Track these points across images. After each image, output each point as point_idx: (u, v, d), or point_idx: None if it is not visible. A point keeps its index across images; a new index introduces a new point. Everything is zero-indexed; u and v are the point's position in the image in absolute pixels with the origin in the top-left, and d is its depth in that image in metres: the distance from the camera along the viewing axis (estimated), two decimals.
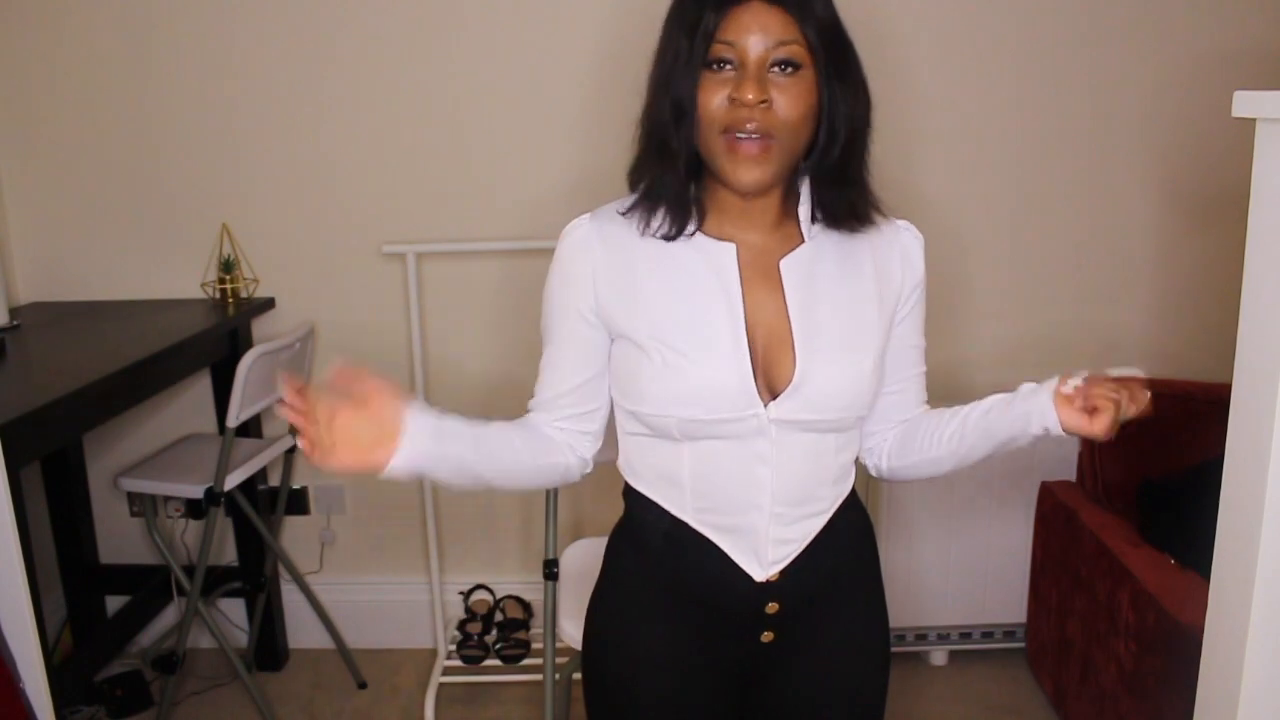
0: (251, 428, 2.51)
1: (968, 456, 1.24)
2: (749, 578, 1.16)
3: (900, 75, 2.40)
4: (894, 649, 2.62)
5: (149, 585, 2.53)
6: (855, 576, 1.26)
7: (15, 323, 2.32)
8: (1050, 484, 2.43)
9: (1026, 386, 1.21)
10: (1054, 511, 2.37)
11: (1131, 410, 1.10)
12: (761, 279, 1.13)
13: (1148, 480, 2.27)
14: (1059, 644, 2.32)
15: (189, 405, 2.62)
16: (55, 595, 2.57)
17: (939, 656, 2.59)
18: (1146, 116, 2.43)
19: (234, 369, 2.14)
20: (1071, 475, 2.46)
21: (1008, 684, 2.50)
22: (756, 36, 1.03)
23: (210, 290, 2.52)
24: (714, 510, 1.15)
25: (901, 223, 1.22)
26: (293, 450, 2.54)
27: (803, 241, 1.15)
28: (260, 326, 2.57)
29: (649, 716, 1.21)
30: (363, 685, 2.57)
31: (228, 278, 2.48)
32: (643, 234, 1.13)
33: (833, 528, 1.20)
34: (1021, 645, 2.55)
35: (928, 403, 1.31)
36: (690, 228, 1.12)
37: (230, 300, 2.48)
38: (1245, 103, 1.00)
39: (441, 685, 2.48)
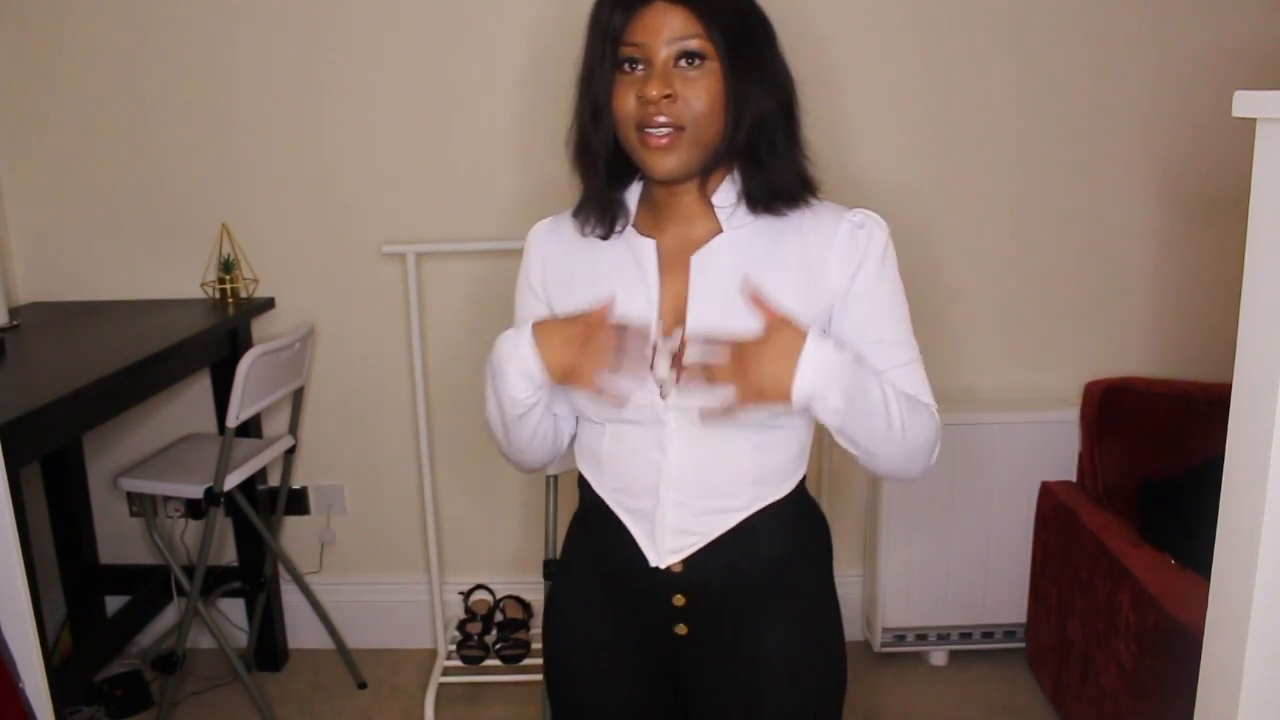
0: (251, 428, 2.51)
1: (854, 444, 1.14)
2: (647, 562, 1.19)
3: (899, 76, 2.41)
4: (894, 649, 2.64)
5: (149, 585, 2.53)
6: (785, 590, 1.21)
7: (15, 323, 2.32)
8: (1050, 484, 2.43)
9: None
10: (1054, 511, 2.37)
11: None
12: (679, 271, 1.17)
13: (1148, 480, 2.27)
14: (1059, 644, 2.32)
15: (189, 405, 2.62)
16: (55, 595, 2.57)
17: (939, 656, 2.59)
18: (1146, 116, 2.42)
19: (234, 369, 2.15)
20: (1071, 475, 2.46)
21: (1008, 684, 2.50)
22: (660, 35, 1.09)
23: (210, 290, 2.52)
24: (623, 491, 1.20)
25: (849, 210, 1.17)
26: (293, 450, 2.54)
27: (720, 232, 1.18)
28: (260, 326, 2.57)
29: (591, 694, 1.27)
30: (363, 685, 2.57)
31: (228, 278, 2.48)
32: (581, 229, 1.21)
33: (750, 530, 1.17)
34: (1021, 645, 2.55)
35: (928, 403, 1.19)
36: (619, 227, 1.19)
37: (230, 300, 2.48)
38: (1245, 103, 1.00)
39: (441, 685, 2.48)
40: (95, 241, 2.54)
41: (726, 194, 1.17)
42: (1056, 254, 2.52)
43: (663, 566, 1.18)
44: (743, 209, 1.17)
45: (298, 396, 2.50)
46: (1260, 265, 1.02)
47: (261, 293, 2.55)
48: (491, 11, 2.39)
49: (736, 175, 1.17)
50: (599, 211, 1.19)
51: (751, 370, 1.04)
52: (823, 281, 1.15)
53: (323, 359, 2.59)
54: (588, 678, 1.28)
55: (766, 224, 1.17)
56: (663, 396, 1.14)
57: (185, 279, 2.54)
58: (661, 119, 1.09)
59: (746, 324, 1.07)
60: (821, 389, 1.04)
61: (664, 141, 1.10)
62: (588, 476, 1.24)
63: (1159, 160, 2.45)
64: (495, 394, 1.18)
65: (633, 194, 1.21)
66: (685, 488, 1.16)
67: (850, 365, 1.06)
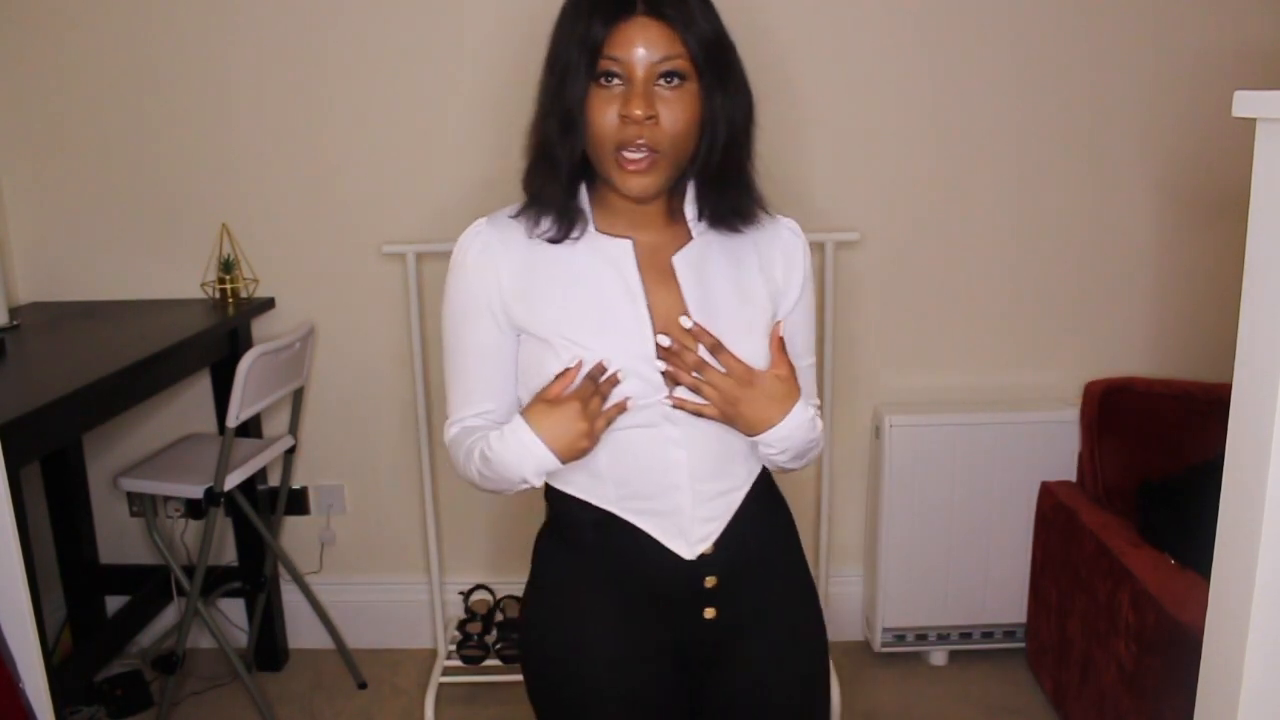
0: (251, 428, 2.51)
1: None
2: (679, 558, 1.19)
3: (899, 76, 2.41)
4: (894, 649, 2.65)
5: (149, 585, 2.53)
6: (782, 554, 1.30)
7: (15, 323, 2.32)
8: (1050, 484, 2.43)
9: None
10: (1054, 511, 2.37)
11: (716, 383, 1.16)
12: (657, 274, 1.18)
13: (1148, 480, 2.27)
14: (1059, 644, 2.32)
15: (189, 405, 2.62)
16: (55, 595, 2.57)
17: (939, 656, 2.59)
18: (1146, 116, 2.43)
19: (234, 369, 2.15)
20: (1071, 475, 2.46)
21: (1008, 684, 2.50)
22: (643, 51, 1.08)
23: (210, 290, 2.52)
24: (635, 497, 1.19)
25: (784, 220, 1.27)
26: (293, 450, 2.54)
27: (691, 238, 1.20)
28: (260, 326, 2.57)
29: (606, 714, 1.22)
30: (363, 685, 2.57)
31: (228, 278, 2.48)
32: (530, 236, 1.18)
33: (753, 502, 1.24)
34: (1021, 645, 2.55)
35: (818, 405, 1.33)
36: (576, 232, 1.17)
37: (230, 300, 2.48)
38: (1245, 103, 1.00)
39: (441, 685, 2.48)
40: (95, 241, 2.54)
41: (691, 204, 1.21)
42: (1056, 254, 2.52)
43: (694, 557, 1.19)
44: (704, 222, 1.21)
45: (298, 396, 2.50)
46: (1260, 265, 1.02)
47: (261, 293, 2.55)
48: (491, 12, 2.39)
49: (694, 188, 1.20)
50: (558, 216, 1.17)
51: (740, 397, 1.14)
52: (776, 283, 1.23)
53: (323, 359, 2.59)
54: (602, 694, 1.22)
55: (725, 233, 1.21)
56: (670, 395, 1.16)
57: (185, 279, 2.54)
58: (641, 140, 1.08)
59: (731, 324, 1.16)
60: (780, 443, 1.17)
61: (642, 165, 1.09)
62: (578, 494, 1.21)
63: (1159, 160, 2.45)
64: (494, 477, 1.17)
65: (583, 196, 1.19)
66: (703, 475, 1.19)
67: (808, 426, 1.19)
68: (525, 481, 1.15)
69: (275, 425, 2.60)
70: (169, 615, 2.60)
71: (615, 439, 1.17)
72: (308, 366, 2.50)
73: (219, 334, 2.39)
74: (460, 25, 2.40)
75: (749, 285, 1.21)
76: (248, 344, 2.46)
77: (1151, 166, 2.45)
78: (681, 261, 1.18)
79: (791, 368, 1.18)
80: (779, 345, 1.18)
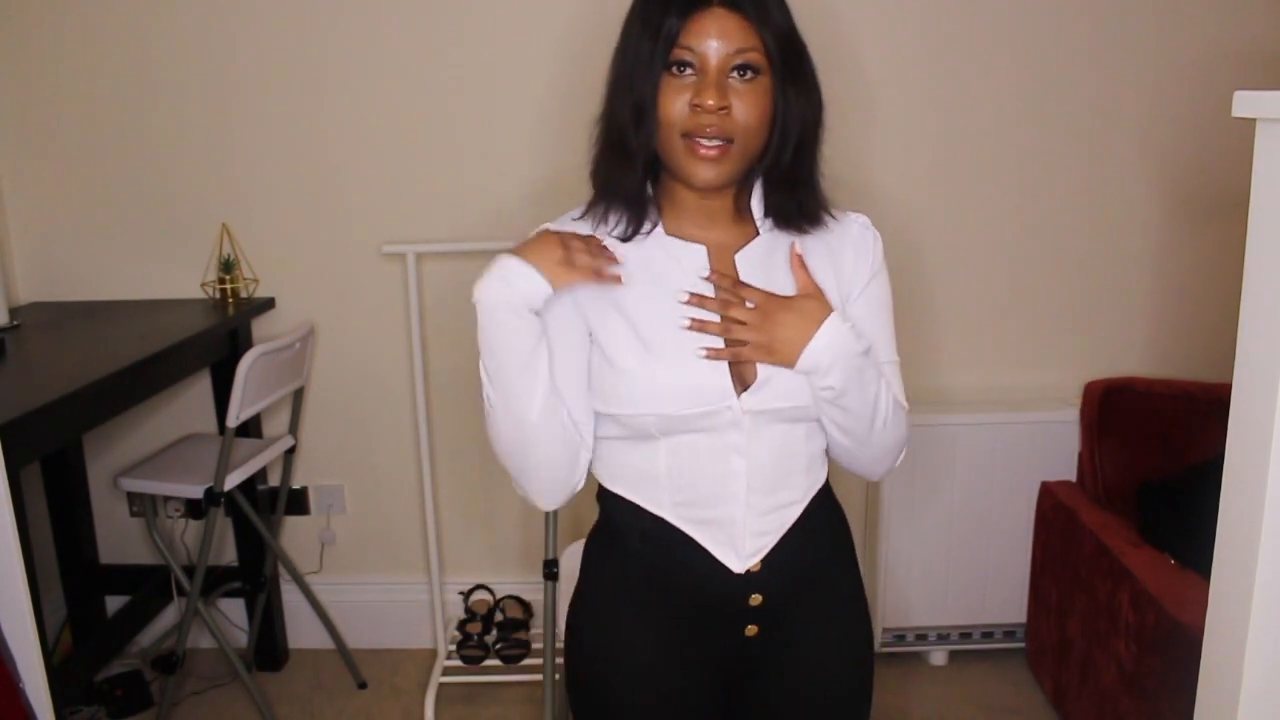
0: (251, 428, 2.51)
1: (844, 430, 1.18)
2: (728, 570, 1.17)
3: (898, 76, 2.41)
4: (894, 649, 2.64)
5: (149, 585, 2.53)
6: (833, 569, 1.28)
7: (15, 323, 2.32)
8: (1050, 484, 2.43)
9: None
10: (1054, 511, 2.37)
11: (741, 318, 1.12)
12: (720, 273, 1.16)
13: (1148, 480, 2.27)
14: (1059, 644, 2.32)
15: (189, 405, 2.62)
16: (55, 595, 2.57)
17: (939, 656, 2.59)
18: (1146, 116, 2.43)
19: (234, 369, 2.15)
20: (1071, 475, 2.46)
21: (1008, 684, 2.50)
22: (718, 42, 1.07)
23: (210, 290, 2.52)
24: (691, 504, 1.17)
25: (855, 215, 1.24)
26: (293, 450, 2.54)
27: (757, 235, 1.19)
28: (260, 326, 2.57)
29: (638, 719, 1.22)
30: (363, 685, 2.57)
31: (228, 278, 2.48)
32: (595, 229, 1.16)
33: (808, 518, 1.21)
34: (1021, 645, 2.55)
35: (906, 408, 1.24)
36: (647, 227, 1.16)
37: (230, 300, 2.48)
38: (1245, 103, 1.00)
39: (441, 685, 2.48)
40: (95, 241, 2.54)
41: (758, 202, 1.19)
42: (1056, 254, 2.52)
43: (743, 571, 1.17)
44: (770, 220, 1.19)
45: (298, 396, 2.50)
46: (1260, 265, 1.02)
47: (261, 293, 2.55)
48: (490, 12, 2.39)
49: (760, 187, 1.18)
50: (628, 209, 1.15)
51: (770, 326, 1.10)
52: (845, 279, 1.20)
53: (323, 359, 2.59)
54: (637, 698, 1.22)
55: (792, 234, 1.19)
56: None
57: (185, 279, 2.54)
58: (712, 130, 1.07)
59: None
60: (826, 366, 1.10)
61: (714, 153, 1.08)
62: (635, 499, 1.19)
63: (1159, 160, 2.45)
64: (493, 351, 1.10)
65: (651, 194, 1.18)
66: (760, 487, 1.16)
67: (859, 354, 1.12)
68: (519, 335, 1.09)
69: (275, 425, 2.60)
70: (169, 615, 2.60)
71: (677, 444, 1.15)
72: (308, 366, 2.50)
73: (219, 334, 2.39)
74: (460, 25, 2.40)
75: (818, 278, 1.17)
76: (248, 344, 2.46)
77: (1151, 167, 2.45)
78: (744, 259, 1.17)
79: (817, 287, 1.14)
80: (799, 263, 1.15)
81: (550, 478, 1.16)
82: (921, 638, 2.55)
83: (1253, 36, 2.36)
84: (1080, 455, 2.43)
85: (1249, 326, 1.04)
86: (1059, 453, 2.45)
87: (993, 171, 2.46)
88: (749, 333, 1.11)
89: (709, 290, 1.15)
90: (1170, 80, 2.40)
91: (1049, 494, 2.41)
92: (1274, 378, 0.99)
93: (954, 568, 2.50)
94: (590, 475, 1.21)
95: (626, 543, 1.21)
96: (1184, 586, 1.91)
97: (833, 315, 1.12)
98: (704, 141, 1.08)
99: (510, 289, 1.08)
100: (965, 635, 2.56)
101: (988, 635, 2.56)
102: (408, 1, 2.39)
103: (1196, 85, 2.38)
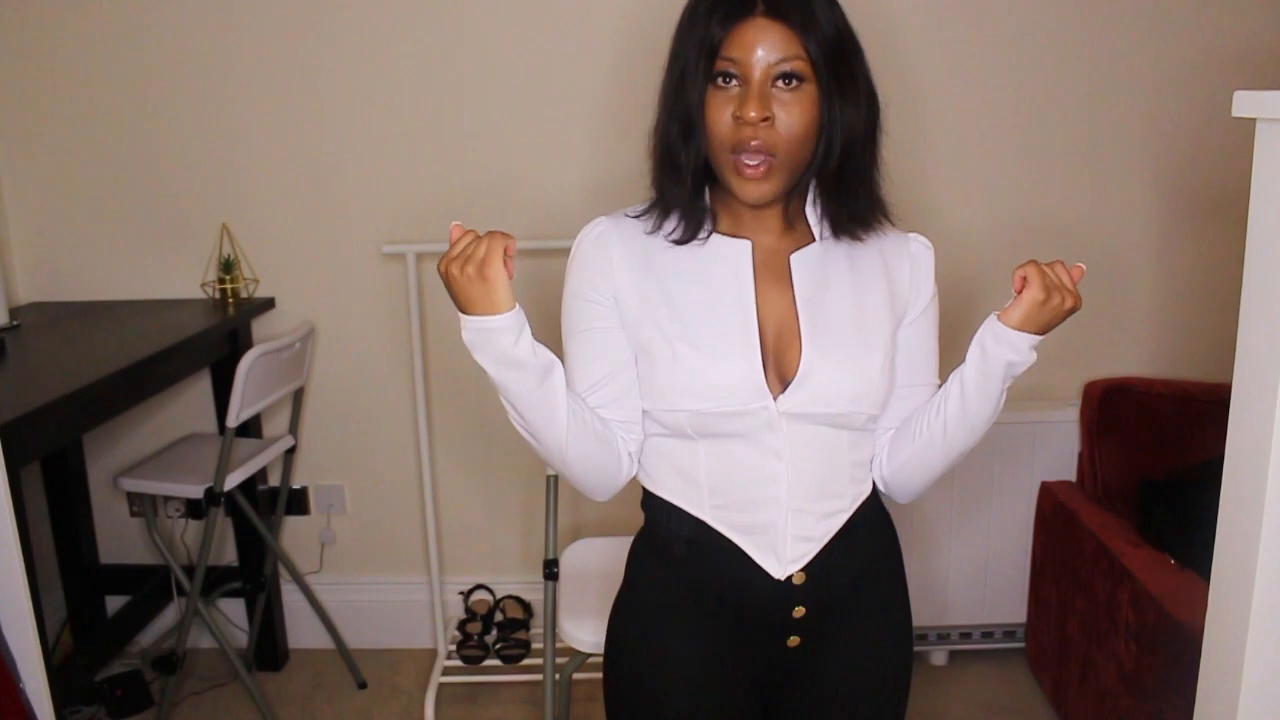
0: (251, 428, 2.51)
1: (966, 427, 1.20)
2: (770, 577, 1.16)
3: (898, 77, 2.40)
4: None
5: (149, 585, 2.53)
6: (879, 580, 1.26)
7: (15, 323, 2.32)
8: (1050, 484, 2.43)
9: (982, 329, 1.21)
10: (1054, 511, 2.37)
11: (1065, 278, 1.21)
12: (773, 275, 1.16)
13: (1148, 480, 2.27)
14: (1059, 644, 2.32)
15: (189, 405, 2.62)
16: (55, 595, 2.56)
17: (939, 656, 2.59)
18: (1146, 116, 2.43)
19: (234, 369, 2.14)
20: (1071, 475, 2.46)
21: (1008, 684, 2.50)
22: (760, 52, 1.06)
23: (210, 290, 2.52)
24: (731, 507, 1.16)
25: (914, 235, 1.24)
26: (293, 450, 2.54)
27: (814, 240, 1.18)
28: (260, 326, 2.57)
29: None
30: (363, 685, 2.57)
31: (228, 278, 2.48)
32: (651, 233, 1.16)
33: (854, 528, 1.20)
34: (1021, 645, 2.55)
35: None
36: (703, 233, 1.16)
37: (230, 300, 2.48)
38: (1245, 103, 1.00)
39: (441, 685, 2.48)
40: (95, 241, 2.54)
41: (814, 207, 1.19)
42: (1056, 254, 2.50)
43: (784, 578, 1.16)
44: (825, 226, 1.19)
45: (298, 396, 2.50)
46: (1260, 265, 1.02)
47: (261, 293, 2.55)
48: (490, 12, 2.39)
49: (817, 193, 1.18)
50: (684, 217, 1.15)
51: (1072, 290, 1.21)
52: (901, 295, 1.21)
53: (323, 359, 2.59)
54: (674, 703, 1.21)
55: (848, 241, 1.19)
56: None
57: (185, 279, 2.54)
58: (756, 143, 1.07)
59: (842, 332, 1.15)
60: (1035, 348, 1.24)
61: (759, 172, 1.08)
62: (677, 501, 1.19)
63: (1159, 160, 2.45)
64: (507, 399, 1.12)
65: (707, 198, 1.18)
66: (803, 493, 1.16)
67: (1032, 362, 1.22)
68: (506, 373, 1.08)
69: (275, 425, 2.60)
70: (169, 615, 2.60)
71: (716, 446, 1.15)
72: (308, 366, 2.50)
73: (219, 334, 2.39)
74: (460, 24, 2.40)
75: (869, 297, 1.18)
76: (248, 344, 2.46)
77: (1151, 166, 2.45)
78: (799, 261, 1.17)
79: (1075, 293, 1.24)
80: (1075, 272, 1.24)
81: (596, 477, 1.19)
82: (921, 638, 2.55)
83: (1253, 37, 2.36)
84: (1080, 455, 2.43)
85: (1249, 326, 1.04)
86: (1059, 453, 2.45)
87: (992, 171, 2.46)
88: (1067, 278, 1.20)
89: (751, 284, 1.15)
90: (1170, 80, 2.40)
91: (1049, 494, 2.41)
92: (1274, 378, 0.99)
93: (954, 568, 2.50)
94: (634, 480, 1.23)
95: (670, 548, 1.21)
96: (1184, 586, 1.91)
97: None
98: (748, 161, 1.07)
99: (485, 342, 1.07)
100: (965, 635, 2.56)
101: (988, 635, 2.56)
102: (407, 2, 2.39)
103: (1196, 85, 2.38)
